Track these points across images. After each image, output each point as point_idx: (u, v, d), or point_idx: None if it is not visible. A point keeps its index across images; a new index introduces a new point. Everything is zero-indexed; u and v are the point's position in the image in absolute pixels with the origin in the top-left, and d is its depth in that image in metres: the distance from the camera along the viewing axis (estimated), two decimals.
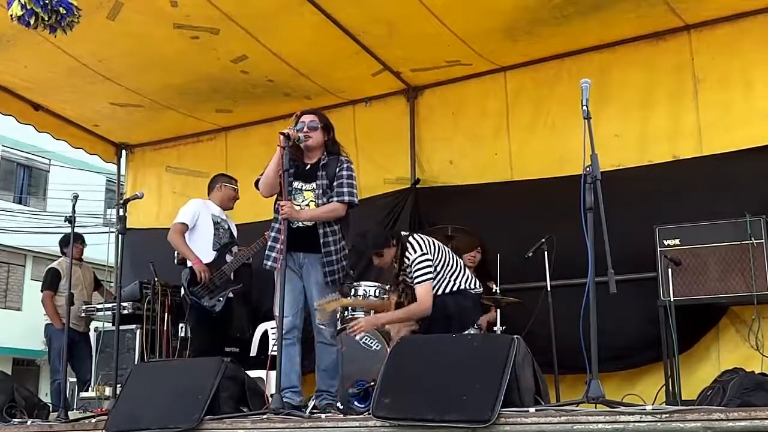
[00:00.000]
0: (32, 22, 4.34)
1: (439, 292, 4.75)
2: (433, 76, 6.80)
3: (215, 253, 6.05)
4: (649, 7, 5.58)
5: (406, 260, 4.76)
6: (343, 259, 4.68)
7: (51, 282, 7.24)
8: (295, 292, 4.60)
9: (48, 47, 5.98)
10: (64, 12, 4.35)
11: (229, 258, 6.11)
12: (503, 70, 6.58)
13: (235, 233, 6.33)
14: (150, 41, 6.08)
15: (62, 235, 7.66)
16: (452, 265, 4.85)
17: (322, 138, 4.67)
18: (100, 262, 8.82)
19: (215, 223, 6.11)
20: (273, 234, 4.64)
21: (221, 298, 5.96)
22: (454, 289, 4.79)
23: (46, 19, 4.32)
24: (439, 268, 4.76)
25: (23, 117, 7.26)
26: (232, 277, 6.05)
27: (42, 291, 7.29)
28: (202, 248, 6.00)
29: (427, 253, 4.73)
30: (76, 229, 5.72)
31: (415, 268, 4.70)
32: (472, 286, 4.90)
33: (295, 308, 4.60)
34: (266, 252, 4.67)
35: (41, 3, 4.26)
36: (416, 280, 4.70)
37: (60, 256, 7.57)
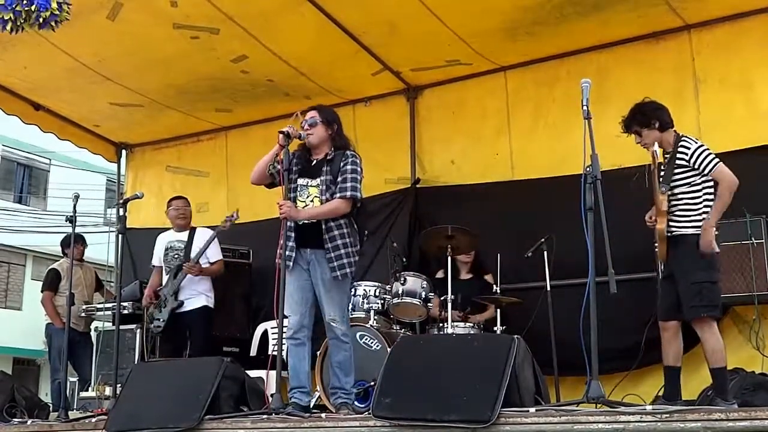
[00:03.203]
0: (8, 27, 4.33)
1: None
2: (434, 76, 6.80)
3: (167, 276, 6.23)
4: (649, 7, 5.58)
5: (684, 151, 4.30)
6: (354, 255, 4.54)
7: (51, 282, 7.27)
8: (304, 291, 4.51)
9: (48, 47, 5.98)
10: (37, 9, 4.31)
11: (179, 277, 6.14)
12: (503, 69, 6.58)
13: (199, 243, 6.21)
14: (150, 41, 6.08)
15: (64, 235, 7.68)
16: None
17: (324, 133, 4.58)
18: (100, 261, 8.83)
19: (166, 249, 6.30)
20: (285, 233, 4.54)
21: (161, 320, 6.11)
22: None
23: (23, 20, 4.30)
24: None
25: (27, 117, 7.28)
26: (176, 297, 6.11)
27: (42, 291, 7.32)
28: (164, 276, 6.29)
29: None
30: (77, 230, 5.72)
31: (705, 154, 4.24)
32: None
33: (303, 307, 4.50)
34: (278, 251, 4.56)
35: (10, 8, 4.24)
36: (712, 164, 4.21)
37: (62, 257, 7.59)
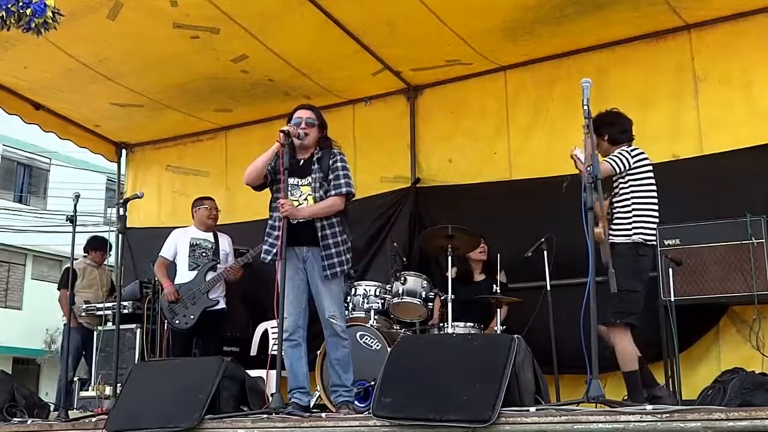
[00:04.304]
0: None
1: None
2: (433, 76, 6.80)
3: (193, 273, 6.25)
4: (649, 7, 5.58)
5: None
6: (345, 252, 4.56)
7: (67, 281, 7.27)
8: (298, 291, 4.51)
9: (48, 47, 5.98)
10: (32, 14, 4.32)
11: (210, 276, 6.22)
12: (503, 69, 6.58)
13: (225, 247, 6.45)
14: (150, 41, 6.08)
15: (90, 237, 7.90)
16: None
17: (318, 134, 4.65)
18: None
19: (192, 246, 6.33)
20: (268, 230, 4.59)
21: (191, 316, 6.14)
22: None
23: (14, 20, 4.30)
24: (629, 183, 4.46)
25: (27, 117, 7.28)
26: (209, 295, 6.20)
27: (58, 290, 7.49)
28: (180, 271, 6.34)
29: (630, 157, 4.46)
30: (78, 229, 5.73)
31: (618, 151, 4.47)
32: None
33: (297, 308, 4.51)
34: (264, 247, 4.60)
35: (4, 6, 4.24)
36: (610, 157, 4.43)
37: (82, 257, 7.66)
